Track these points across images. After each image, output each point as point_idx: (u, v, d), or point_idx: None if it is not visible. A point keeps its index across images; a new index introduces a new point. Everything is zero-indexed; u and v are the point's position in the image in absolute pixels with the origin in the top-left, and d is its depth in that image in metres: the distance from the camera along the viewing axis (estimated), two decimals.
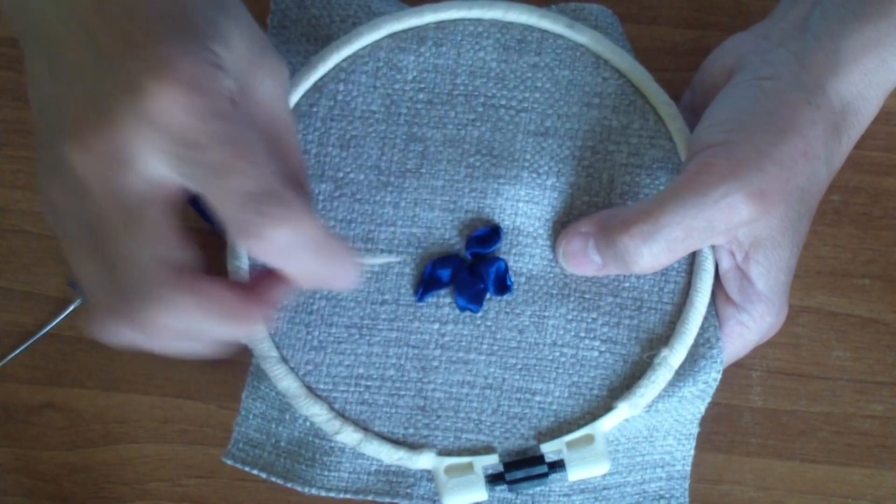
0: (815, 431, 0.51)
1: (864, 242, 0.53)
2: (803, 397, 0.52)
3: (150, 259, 0.36)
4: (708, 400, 0.46)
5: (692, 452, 0.47)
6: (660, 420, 0.46)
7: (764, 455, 0.51)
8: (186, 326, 0.37)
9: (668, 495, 0.47)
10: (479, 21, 0.49)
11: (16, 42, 0.58)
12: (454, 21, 0.49)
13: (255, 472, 0.46)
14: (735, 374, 0.52)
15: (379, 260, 0.46)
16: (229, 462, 0.47)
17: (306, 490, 0.46)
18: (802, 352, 0.52)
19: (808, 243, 0.53)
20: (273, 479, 0.46)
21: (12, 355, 0.54)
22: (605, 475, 0.47)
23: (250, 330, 0.38)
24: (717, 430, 0.51)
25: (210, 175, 0.35)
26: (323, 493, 0.46)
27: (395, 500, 0.45)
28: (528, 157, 0.47)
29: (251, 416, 0.47)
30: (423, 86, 0.48)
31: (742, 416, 0.52)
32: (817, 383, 0.52)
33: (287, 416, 0.47)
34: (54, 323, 0.54)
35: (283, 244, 0.36)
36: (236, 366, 0.53)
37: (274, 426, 0.47)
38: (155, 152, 0.35)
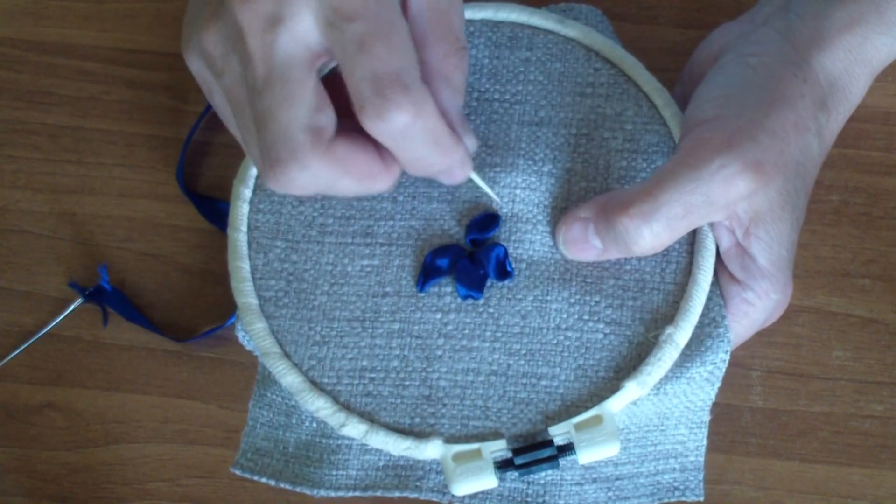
0: (815, 431, 0.51)
1: (864, 242, 0.53)
2: (803, 397, 0.52)
3: (291, 120, 0.38)
4: (717, 384, 0.45)
5: (704, 443, 0.47)
6: (670, 406, 0.46)
7: (764, 455, 0.51)
8: (323, 186, 0.40)
9: (682, 487, 0.47)
10: (470, 21, 0.50)
11: (16, 42, 0.58)
12: None
13: (263, 480, 0.46)
14: (735, 374, 0.52)
15: (482, 183, 0.46)
16: (238, 472, 0.46)
17: (315, 492, 0.45)
18: (802, 352, 0.52)
19: (808, 243, 0.53)
20: (282, 485, 0.46)
21: (12, 355, 0.54)
22: (617, 465, 0.46)
23: (384, 189, 0.41)
24: (717, 430, 0.51)
25: (350, 47, 0.38)
26: (332, 494, 0.45)
27: (405, 494, 0.45)
28: (523, 145, 0.48)
29: (258, 426, 0.47)
30: None
31: (742, 416, 0.52)
32: (817, 383, 0.52)
33: (294, 421, 0.47)
34: (54, 323, 0.54)
35: (398, 130, 0.38)
36: (236, 366, 0.53)
37: (281, 432, 0.47)
38: (311, 16, 0.38)
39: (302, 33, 0.38)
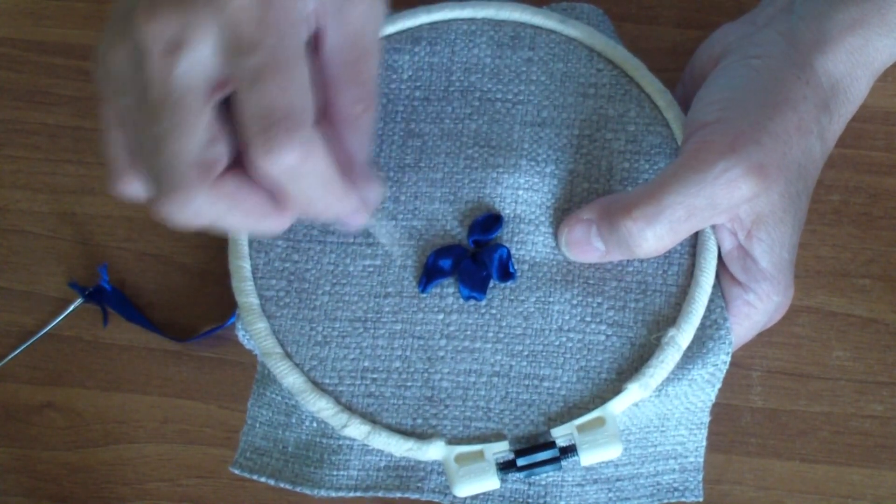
0: (815, 431, 0.51)
1: (864, 242, 0.53)
2: (803, 397, 0.52)
3: (180, 150, 0.37)
4: (718, 385, 0.45)
5: (704, 444, 0.47)
6: (670, 408, 0.46)
7: (764, 455, 0.51)
8: (210, 219, 0.38)
9: (682, 488, 0.47)
10: (471, 20, 0.50)
11: (16, 42, 0.58)
12: (447, 21, 0.50)
13: (262, 479, 0.46)
14: (735, 374, 0.52)
15: (381, 229, 0.46)
16: (237, 472, 0.46)
17: (315, 493, 0.45)
18: (802, 352, 0.52)
19: (808, 243, 0.53)
20: (282, 485, 0.46)
21: (12, 355, 0.54)
22: (617, 466, 0.46)
23: (276, 230, 0.40)
24: (717, 430, 0.51)
25: (245, 80, 0.36)
26: (332, 494, 0.45)
27: (406, 495, 0.45)
28: (525, 146, 0.48)
29: (258, 425, 0.47)
30: (419, 84, 0.49)
31: (742, 416, 0.52)
32: (817, 383, 0.52)
33: (293, 420, 0.47)
34: (54, 323, 0.54)
35: (283, 170, 0.36)
36: (236, 366, 0.53)
37: (281, 432, 0.47)
38: (212, 43, 0.36)
39: (201, 61, 0.37)
